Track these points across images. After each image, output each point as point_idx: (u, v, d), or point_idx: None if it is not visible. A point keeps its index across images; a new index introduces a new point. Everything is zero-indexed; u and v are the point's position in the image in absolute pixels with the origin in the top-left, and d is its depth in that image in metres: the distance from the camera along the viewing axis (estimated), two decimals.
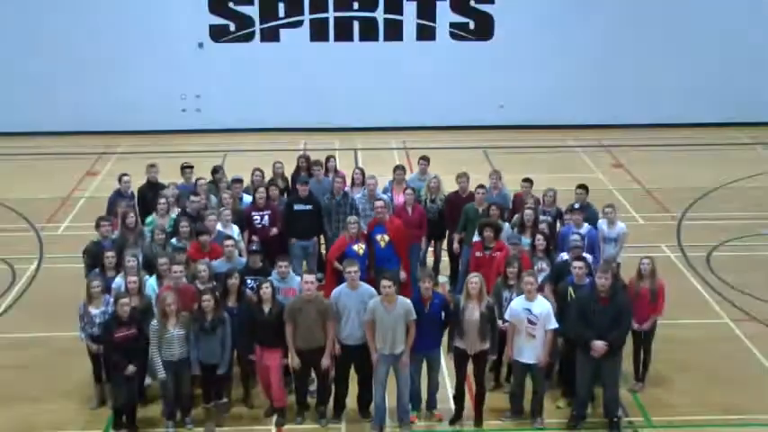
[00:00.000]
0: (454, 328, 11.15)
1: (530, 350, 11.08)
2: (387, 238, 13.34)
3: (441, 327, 11.28)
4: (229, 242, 12.45)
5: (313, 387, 11.71)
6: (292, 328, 11.04)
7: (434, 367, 11.49)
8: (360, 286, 11.21)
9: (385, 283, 10.85)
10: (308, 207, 14.36)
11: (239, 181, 14.99)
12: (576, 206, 13.81)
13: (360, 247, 13.04)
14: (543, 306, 11.05)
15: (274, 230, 14.22)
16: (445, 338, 11.48)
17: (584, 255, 12.20)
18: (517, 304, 11.11)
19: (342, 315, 11.15)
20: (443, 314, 11.19)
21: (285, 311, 11.05)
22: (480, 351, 11.14)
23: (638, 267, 11.88)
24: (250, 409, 11.80)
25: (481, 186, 14.45)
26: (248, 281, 11.84)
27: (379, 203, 13.57)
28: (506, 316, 11.23)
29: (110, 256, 12.12)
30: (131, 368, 10.97)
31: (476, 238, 13.40)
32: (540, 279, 11.93)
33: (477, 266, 12.63)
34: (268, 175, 15.48)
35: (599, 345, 10.82)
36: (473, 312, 10.98)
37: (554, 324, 11.03)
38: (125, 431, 11.27)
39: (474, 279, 11.06)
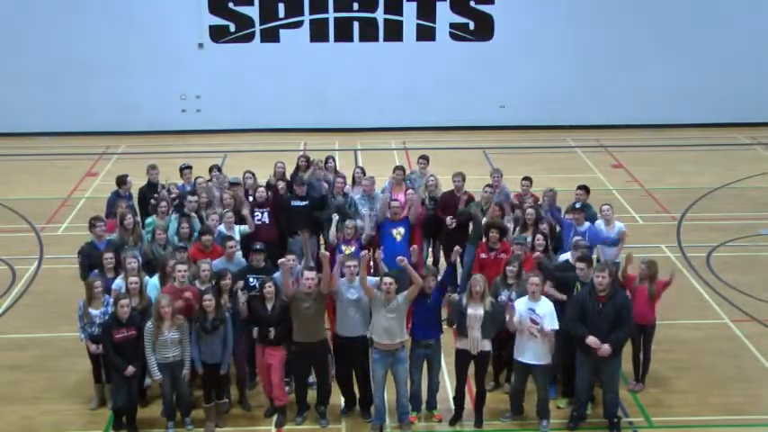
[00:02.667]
0: (457, 329, 11.16)
1: (531, 350, 11.07)
2: (402, 231, 13.38)
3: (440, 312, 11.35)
4: (231, 242, 12.45)
5: (313, 388, 11.72)
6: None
7: (434, 367, 11.49)
8: (357, 281, 11.22)
9: (387, 280, 10.90)
10: (304, 203, 14.37)
11: (237, 184, 14.91)
12: (578, 206, 13.84)
13: (349, 250, 12.99)
14: (547, 307, 11.06)
15: (266, 217, 14.17)
16: (448, 339, 11.47)
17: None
18: (521, 306, 11.11)
19: (338, 307, 11.21)
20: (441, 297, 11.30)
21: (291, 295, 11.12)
22: (483, 351, 11.16)
23: (639, 271, 11.91)
24: (247, 410, 11.79)
25: (460, 189, 14.58)
26: (251, 279, 11.85)
27: (395, 204, 13.69)
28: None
29: (108, 257, 12.09)
30: (131, 369, 10.97)
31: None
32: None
33: (482, 268, 12.64)
34: (260, 176, 15.43)
35: (593, 340, 10.80)
36: (476, 313, 10.99)
37: (555, 325, 11.02)
38: None
39: (477, 279, 11.10)
